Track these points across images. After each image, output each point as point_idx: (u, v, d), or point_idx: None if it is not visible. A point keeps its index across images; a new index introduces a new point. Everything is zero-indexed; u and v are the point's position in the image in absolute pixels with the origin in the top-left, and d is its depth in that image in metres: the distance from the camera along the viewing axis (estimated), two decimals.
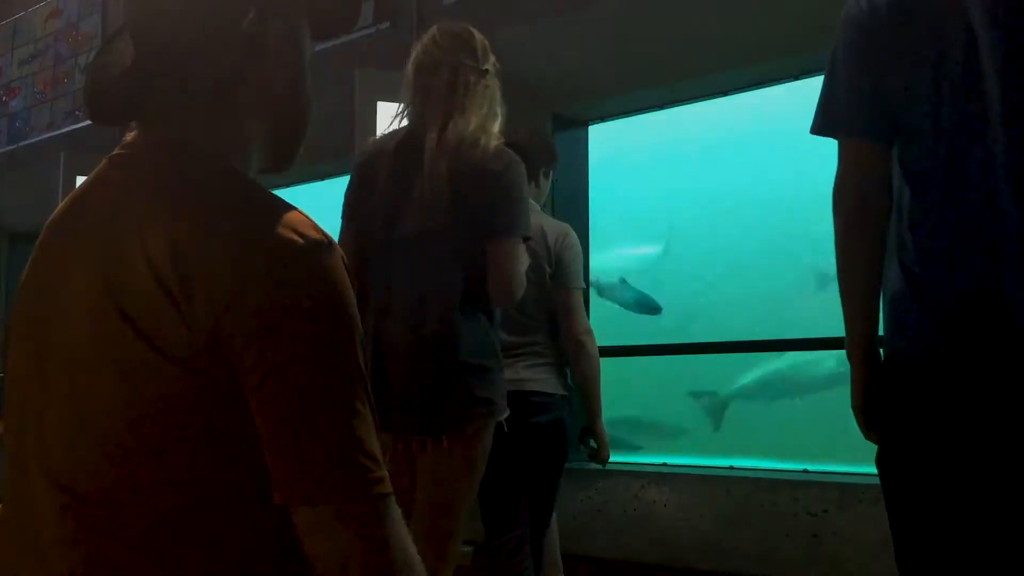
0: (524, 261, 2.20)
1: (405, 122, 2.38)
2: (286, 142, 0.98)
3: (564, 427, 2.76)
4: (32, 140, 6.38)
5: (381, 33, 4.63)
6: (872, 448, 1.53)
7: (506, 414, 2.20)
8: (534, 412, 2.67)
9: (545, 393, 2.71)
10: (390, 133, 2.39)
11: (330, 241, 0.84)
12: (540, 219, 2.78)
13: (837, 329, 1.59)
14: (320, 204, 3.97)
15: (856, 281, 1.48)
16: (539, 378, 2.71)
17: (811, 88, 4.26)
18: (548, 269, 2.74)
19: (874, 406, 1.51)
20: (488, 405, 2.15)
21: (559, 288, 2.76)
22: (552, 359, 2.76)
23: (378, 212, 2.23)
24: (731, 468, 4.10)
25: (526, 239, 2.22)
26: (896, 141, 1.44)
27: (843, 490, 3.34)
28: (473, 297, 2.14)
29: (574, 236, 2.85)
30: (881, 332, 1.51)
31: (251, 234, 0.81)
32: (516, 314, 2.68)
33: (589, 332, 2.83)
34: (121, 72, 0.90)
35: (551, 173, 2.98)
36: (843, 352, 1.57)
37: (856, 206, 1.46)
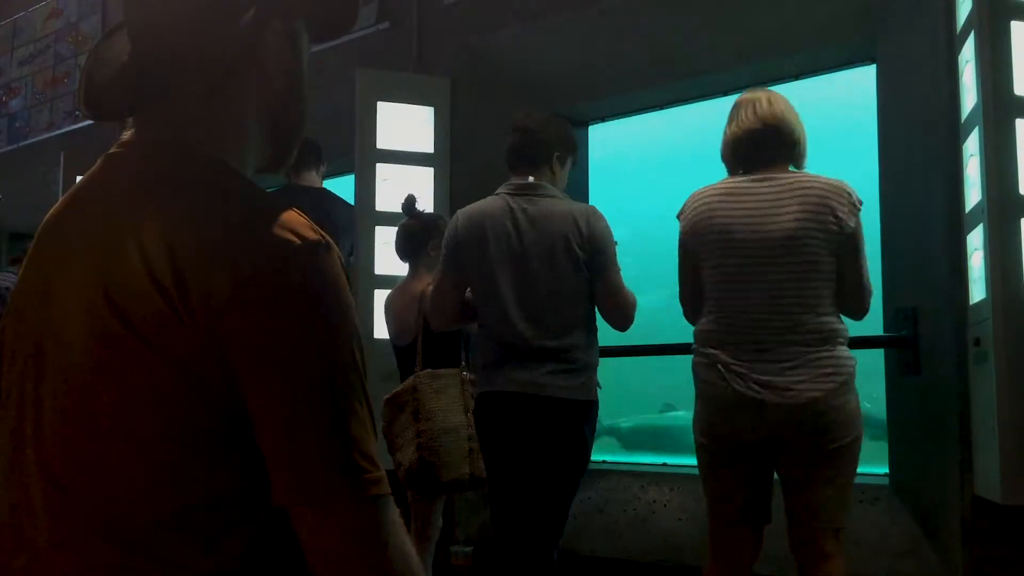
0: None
1: None
2: (283, 142, 0.97)
3: (584, 439, 2.62)
4: (32, 140, 6.39)
5: (381, 33, 4.63)
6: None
7: None
8: (552, 422, 2.58)
9: (567, 401, 2.58)
10: None
11: (327, 241, 0.83)
12: (566, 204, 2.70)
13: None
14: None
15: None
16: (563, 384, 2.58)
17: (812, 88, 4.27)
18: (582, 255, 2.61)
19: None
20: None
21: (597, 275, 2.64)
22: (584, 363, 2.63)
23: None
24: None
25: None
26: None
27: None
28: None
29: (602, 217, 2.71)
30: None
31: (248, 234, 0.81)
32: (550, 313, 2.60)
33: (634, 305, 2.72)
34: (118, 69, 0.90)
35: (568, 160, 2.84)
36: None
37: None
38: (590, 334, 2.68)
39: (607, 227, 2.68)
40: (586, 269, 2.63)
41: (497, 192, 2.77)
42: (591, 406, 2.65)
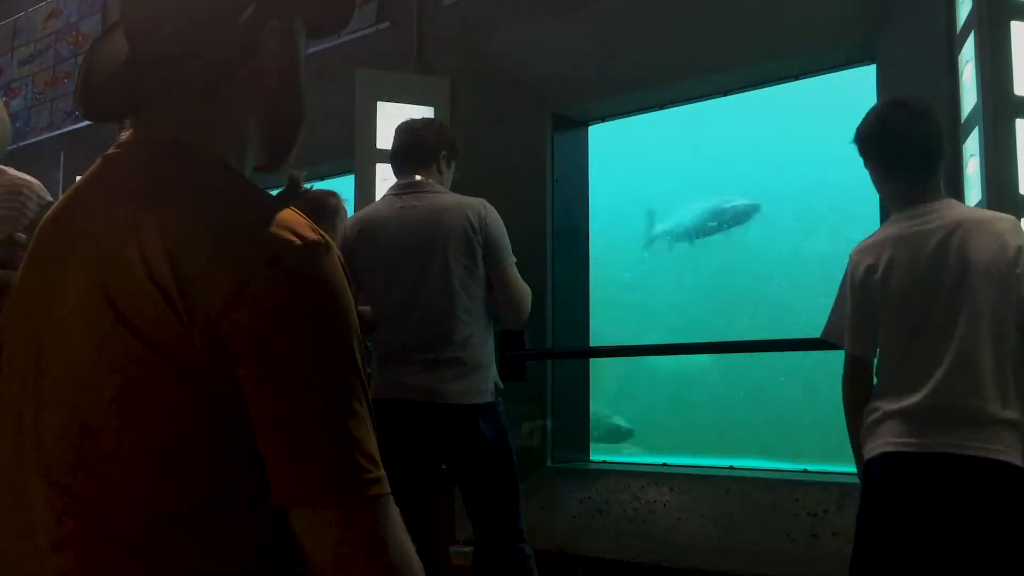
0: None
1: None
2: (282, 141, 0.97)
3: (485, 439, 2.57)
4: (32, 140, 6.39)
5: (381, 33, 4.63)
6: None
7: None
8: (452, 428, 2.54)
9: (465, 406, 2.53)
10: None
11: (327, 241, 0.83)
12: (454, 198, 2.66)
13: None
14: None
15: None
16: (458, 388, 2.53)
17: (812, 88, 4.26)
18: (479, 247, 2.58)
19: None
20: None
21: (493, 268, 2.59)
22: (475, 362, 2.57)
23: None
24: (731, 468, 4.11)
25: None
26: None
27: (843, 490, 3.34)
28: None
29: (493, 210, 2.65)
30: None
31: (247, 234, 0.81)
32: (443, 313, 2.54)
33: (528, 296, 2.67)
34: (115, 69, 0.90)
35: (453, 162, 2.81)
36: None
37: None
38: (486, 330, 2.63)
39: (499, 218, 2.64)
40: (482, 261, 2.58)
41: (384, 194, 2.75)
42: (487, 408, 2.58)
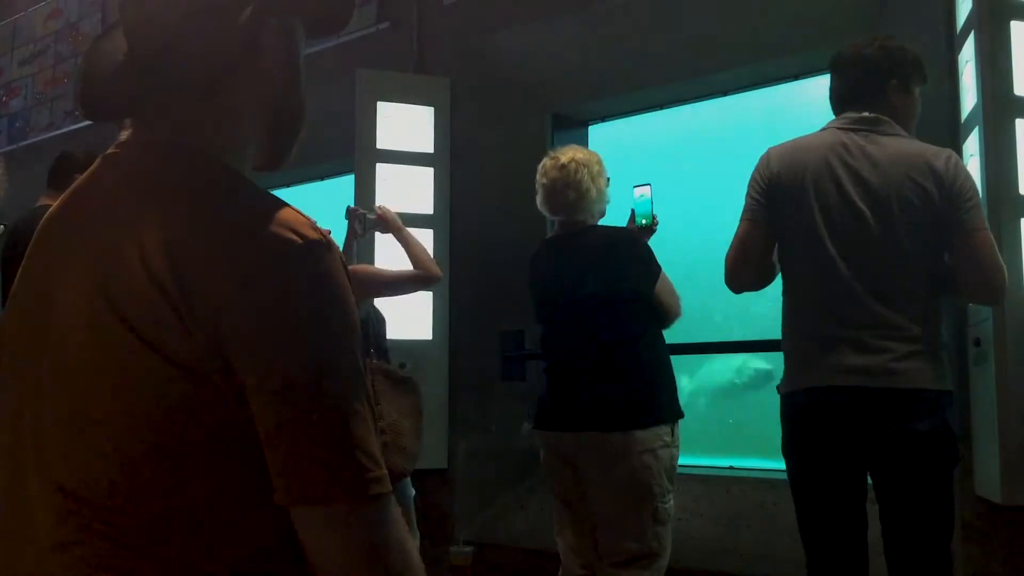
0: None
1: None
2: (281, 140, 0.97)
3: (952, 435, 2.11)
4: (32, 140, 6.40)
5: (381, 33, 4.64)
6: None
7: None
8: (910, 418, 2.06)
9: (923, 390, 2.07)
10: None
11: (328, 240, 0.83)
12: (916, 145, 2.17)
13: None
14: (320, 204, 3.96)
15: None
16: (918, 368, 2.07)
17: (812, 88, 4.26)
18: (940, 206, 2.09)
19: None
20: None
21: (956, 233, 2.09)
22: (936, 342, 2.14)
23: None
24: (731, 468, 4.11)
25: None
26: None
27: None
28: None
29: (961, 161, 2.16)
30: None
31: (248, 234, 0.81)
32: (895, 279, 2.11)
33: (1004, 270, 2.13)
34: (114, 69, 0.89)
35: (915, 89, 2.27)
36: None
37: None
38: (940, 307, 2.18)
39: (968, 173, 2.14)
40: (943, 225, 2.10)
41: (825, 127, 2.25)
42: (948, 396, 2.13)
